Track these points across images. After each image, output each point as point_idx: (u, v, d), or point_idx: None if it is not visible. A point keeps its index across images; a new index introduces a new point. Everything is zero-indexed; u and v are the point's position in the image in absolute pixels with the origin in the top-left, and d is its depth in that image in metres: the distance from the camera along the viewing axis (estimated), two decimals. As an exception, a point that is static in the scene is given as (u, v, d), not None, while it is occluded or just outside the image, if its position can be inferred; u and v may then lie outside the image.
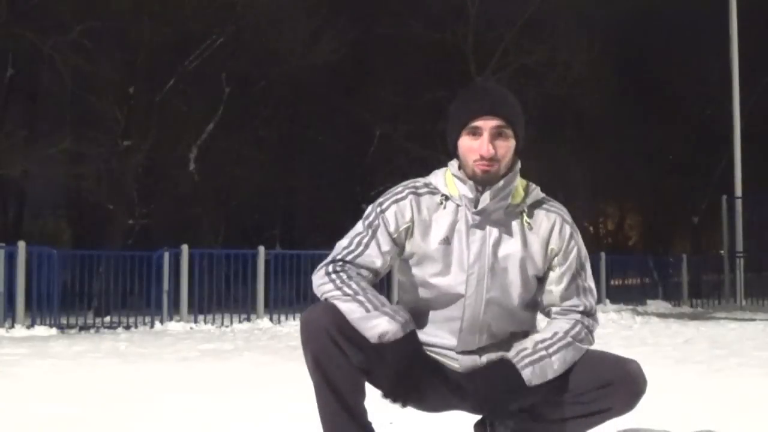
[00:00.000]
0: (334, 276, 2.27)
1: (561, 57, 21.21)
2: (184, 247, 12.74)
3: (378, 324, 2.16)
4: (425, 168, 2.26)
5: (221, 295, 13.21)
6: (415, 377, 2.16)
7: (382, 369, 2.19)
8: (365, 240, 2.31)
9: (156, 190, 20.25)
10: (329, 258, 2.34)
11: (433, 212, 2.31)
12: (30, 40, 17.78)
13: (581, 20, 22.66)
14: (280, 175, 21.84)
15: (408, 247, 2.32)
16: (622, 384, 2.21)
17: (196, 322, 12.35)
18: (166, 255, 12.51)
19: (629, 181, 27.40)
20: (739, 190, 17.87)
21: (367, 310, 2.18)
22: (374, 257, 2.29)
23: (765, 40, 22.69)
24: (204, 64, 19.31)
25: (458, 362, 2.33)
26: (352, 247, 2.31)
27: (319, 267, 2.33)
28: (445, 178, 2.33)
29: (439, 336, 2.33)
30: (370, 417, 2.30)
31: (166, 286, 12.37)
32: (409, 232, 2.31)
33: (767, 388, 4.71)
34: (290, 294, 13.67)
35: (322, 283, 2.28)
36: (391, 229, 2.30)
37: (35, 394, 4.62)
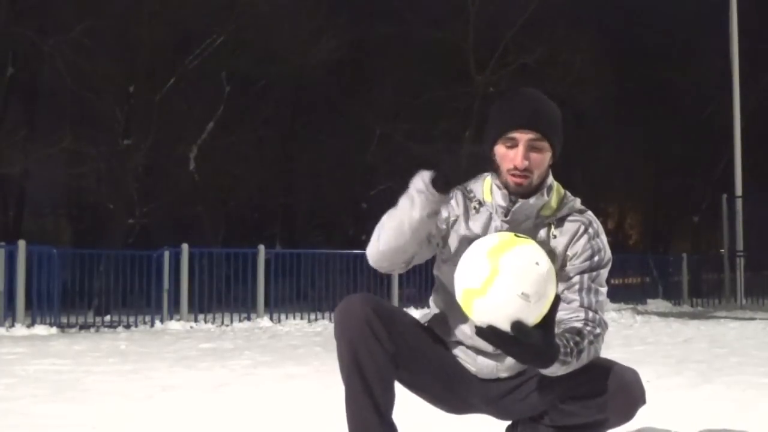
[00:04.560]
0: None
1: (561, 56, 21.22)
2: (185, 246, 12.73)
3: (407, 194, 2.22)
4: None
5: (221, 295, 13.20)
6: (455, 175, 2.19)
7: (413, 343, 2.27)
8: None
9: (156, 189, 20.25)
10: None
11: (470, 214, 2.36)
12: (30, 39, 17.79)
13: (581, 20, 22.66)
14: (280, 174, 21.86)
15: (449, 237, 2.36)
16: (618, 395, 2.17)
17: (196, 321, 12.36)
18: (167, 254, 12.50)
19: (629, 181, 27.41)
20: (739, 190, 17.87)
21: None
22: None
23: (765, 40, 22.70)
24: (204, 63, 19.30)
25: (477, 363, 2.35)
26: None
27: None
28: (483, 184, 2.37)
29: (463, 333, 2.36)
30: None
31: (166, 285, 12.36)
32: (456, 222, 2.36)
33: (767, 388, 4.71)
34: (290, 293, 13.68)
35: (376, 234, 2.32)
36: (444, 215, 2.35)
37: (35, 394, 4.62)
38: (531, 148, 2.24)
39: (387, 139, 21.99)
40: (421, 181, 2.19)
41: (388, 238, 2.25)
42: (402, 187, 2.32)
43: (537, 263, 1.98)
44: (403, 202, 2.22)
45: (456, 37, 21.71)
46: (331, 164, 23.05)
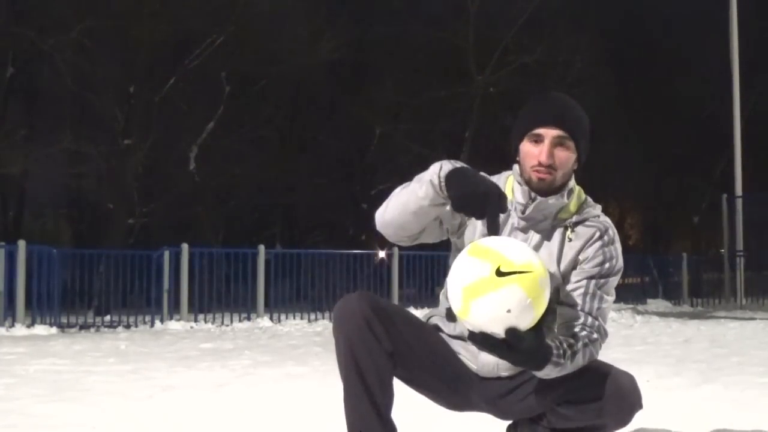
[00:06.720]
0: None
1: (561, 56, 21.24)
2: (185, 246, 12.74)
3: (422, 176, 2.18)
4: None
5: (221, 294, 13.21)
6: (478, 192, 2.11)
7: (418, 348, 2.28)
8: None
9: (156, 189, 20.27)
10: None
11: None
12: (30, 39, 17.82)
13: (581, 20, 22.69)
14: (280, 174, 21.86)
15: (466, 230, 2.34)
16: (615, 400, 2.17)
17: (196, 321, 12.36)
18: (167, 254, 12.50)
19: (629, 181, 27.42)
20: (739, 190, 17.87)
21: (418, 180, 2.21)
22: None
23: (765, 40, 22.72)
24: (204, 63, 19.32)
25: (478, 361, 2.34)
26: None
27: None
28: (506, 181, 2.37)
29: (465, 328, 2.33)
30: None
31: (166, 285, 12.36)
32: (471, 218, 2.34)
33: (767, 388, 4.71)
34: (290, 293, 13.69)
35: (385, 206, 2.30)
36: None
37: (35, 394, 4.62)
38: (557, 145, 2.24)
39: (387, 139, 22.00)
40: (436, 174, 2.15)
41: (393, 212, 2.26)
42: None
43: (509, 311, 1.92)
44: (414, 184, 2.21)
45: (456, 37, 21.73)
46: (331, 164, 23.06)
